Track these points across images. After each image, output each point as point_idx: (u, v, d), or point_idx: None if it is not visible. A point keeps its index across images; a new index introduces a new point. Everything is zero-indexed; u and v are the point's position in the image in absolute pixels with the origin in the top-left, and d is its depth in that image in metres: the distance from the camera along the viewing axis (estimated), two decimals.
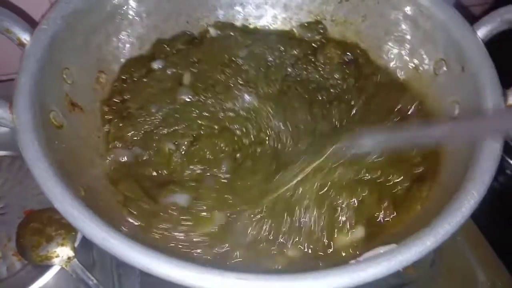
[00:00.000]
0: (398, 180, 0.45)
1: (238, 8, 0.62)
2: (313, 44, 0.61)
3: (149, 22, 0.57)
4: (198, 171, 0.48)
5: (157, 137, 0.50)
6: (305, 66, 0.58)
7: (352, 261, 0.33)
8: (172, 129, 0.50)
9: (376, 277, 0.31)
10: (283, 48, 0.59)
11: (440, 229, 0.34)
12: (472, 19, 0.50)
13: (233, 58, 0.56)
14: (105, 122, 0.51)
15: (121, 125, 0.50)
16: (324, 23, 0.62)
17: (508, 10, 0.47)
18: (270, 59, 0.57)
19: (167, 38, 0.58)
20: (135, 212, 0.43)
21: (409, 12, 0.55)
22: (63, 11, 0.47)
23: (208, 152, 0.49)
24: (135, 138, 0.50)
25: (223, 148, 0.49)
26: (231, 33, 0.60)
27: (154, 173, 0.48)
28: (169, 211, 0.43)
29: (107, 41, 0.53)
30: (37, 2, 0.57)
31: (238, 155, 0.49)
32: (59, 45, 0.46)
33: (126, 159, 0.48)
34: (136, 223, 0.43)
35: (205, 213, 0.44)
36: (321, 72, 0.57)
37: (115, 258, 0.32)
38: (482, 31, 0.48)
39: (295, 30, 0.63)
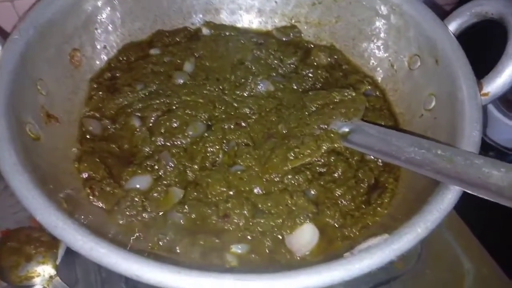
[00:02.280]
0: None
1: (213, 14, 0.62)
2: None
3: (124, 30, 0.57)
4: (160, 143, 0.48)
5: (129, 110, 0.50)
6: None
7: (346, 254, 0.32)
8: (146, 104, 0.51)
9: (371, 268, 0.31)
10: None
11: (429, 216, 0.34)
12: (444, 15, 0.51)
13: (242, 61, 0.57)
14: (91, 97, 0.52)
15: (102, 97, 0.52)
16: (298, 26, 0.63)
17: (476, 4, 0.48)
18: (273, 66, 0.58)
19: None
20: (97, 194, 0.44)
21: (380, 11, 0.56)
22: (36, 21, 0.46)
23: (174, 121, 0.49)
24: (110, 111, 0.51)
25: (193, 114, 0.50)
26: (226, 33, 0.60)
27: (117, 149, 0.48)
28: (132, 195, 0.44)
29: (82, 51, 0.52)
30: (6, 13, 0.56)
31: (208, 122, 0.51)
32: (32, 56, 0.45)
33: (94, 130, 0.49)
34: (99, 205, 0.43)
35: (163, 195, 0.44)
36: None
37: (100, 274, 0.31)
38: (453, 25, 0.50)
39: (273, 32, 0.63)
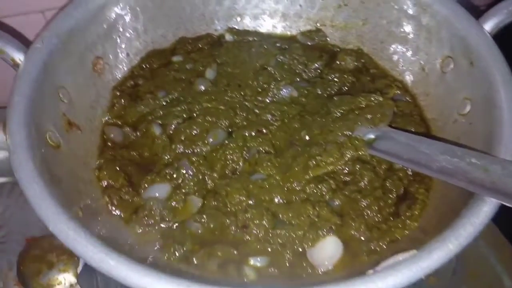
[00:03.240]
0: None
1: (236, 19, 0.62)
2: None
3: (147, 37, 0.57)
4: (180, 150, 0.47)
5: (150, 118, 0.50)
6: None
7: (370, 271, 0.30)
8: (167, 112, 0.50)
9: (396, 287, 0.28)
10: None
11: (462, 230, 0.31)
12: (479, 15, 0.48)
13: (265, 66, 0.56)
14: (113, 105, 0.52)
15: (124, 104, 0.52)
16: (324, 30, 0.61)
17: None
18: (297, 71, 0.56)
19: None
20: (116, 202, 0.43)
21: (410, 11, 0.53)
22: (59, 29, 0.46)
23: (194, 128, 0.49)
24: (132, 119, 0.51)
25: (214, 121, 0.49)
26: (249, 38, 0.59)
27: (137, 156, 0.48)
28: (150, 204, 0.43)
29: (105, 58, 0.52)
30: (31, 21, 0.57)
31: (229, 129, 0.50)
32: (54, 64, 0.45)
33: (115, 137, 0.49)
34: (116, 213, 0.43)
35: (181, 204, 0.44)
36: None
37: (121, 284, 0.30)
38: (489, 25, 0.47)
39: (298, 37, 0.61)
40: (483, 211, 0.32)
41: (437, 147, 0.39)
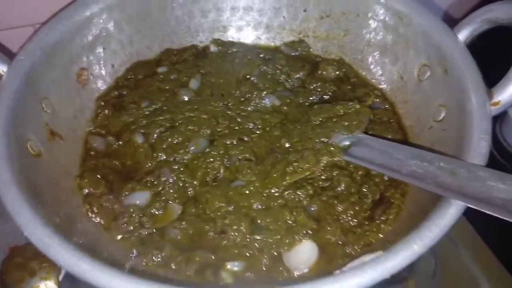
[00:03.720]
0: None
1: (220, 31, 0.63)
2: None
3: (132, 49, 0.58)
4: (162, 158, 0.48)
5: (133, 127, 0.51)
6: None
7: (337, 271, 0.31)
8: (150, 121, 0.51)
9: (361, 287, 0.29)
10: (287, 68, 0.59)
11: (427, 232, 0.32)
12: (454, 22, 0.49)
13: (248, 76, 0.57)
14: (97, 115, 0.53)
15: (108, 114, 0.53)
16: (307, 41, 0.62)
17: (488, 10, 0.46)
18: (280, 80, 0.57)
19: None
20: (96, 210, 0.44)
21: (389, 22, 0.55)
22: (43, 41, 0.48)
23: (176, 137, 0.49)
24: (115, 128, 0.52)
25: (196, 130, 0.50)
26: (234, 49, 0.61)
27: (119, 164, 0.49)
28: (130, 211, 0.44)
29: (89, 70, 0.54)
30: (23, 35, 0.59)
31: (211, 138, 0.51)
32: (38, 76, 0.46)
33: (98, 146, 0.50)
34: (96, 221, 0.44)
35: (161, 211, 0.44)
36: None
37: None
38: (463, 34, 0.48)
39: (281, 48, 0.63)
40: (449, 213, 0.33)
41: (408, 152, 0.40)
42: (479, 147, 0.38)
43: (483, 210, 0.31)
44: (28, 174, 0.39)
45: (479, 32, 0.48)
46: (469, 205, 0.32)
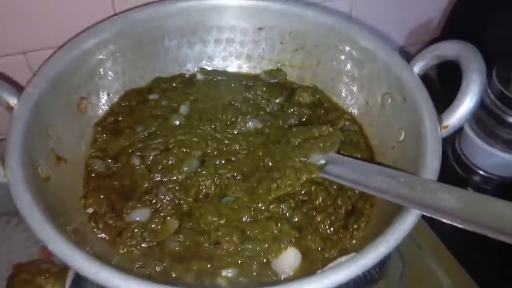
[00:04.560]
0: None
1: (205, 61, 0.69)
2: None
3: (125, 78, 0.63)
4: (158, 178, 0.53)
5: (130, 151, 0.56)
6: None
7: (319, 271, 0.37)
8: (146, 144, 0.56)
9: (340, 282, 0.35)
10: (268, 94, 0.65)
11: (391, 236, 0.39)
12: (409, 56, 0.57)
13: (233, 102, 0.63)
14: (95, 140, 0.57)
15: (106, 139, 0.57)
16: (284, 69, 0.69)
17: (436, 48, 0.55)
18: (261, 105, 0.64)
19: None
20: (101, 227, 0.49)
21: (355, 55, 0.62)
22: (48, 74, 0.52)
23: (171, 158, 0.54)
24: (113, 151, 0.56)
25: (188, 152, 0.55)
26: (219, 77, 0.66)
27: (119, 185, 0.53)
28: (132, 227, 0.48)
29: (88, 98, 0.59)
30: (13, 62, 0.64)
31: (202, 158, 0.56)
32: (44, 106, 0.51)
33: (98, 168, 0.55)
34: (102, 236, 0.48)
35: (160, 226, 0.49)
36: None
37: None
38: (418, 67, 0.56)
39: (261, 75, 0.69)
40: (409, 220, 0.40)
41: (374, 170, 0.47)
42: (432, 164, 0.45)
43: (435, 217, 0.38)
44: (42, 195, 0.44)
45: (431, 66, 0.56)
46: (424, 213, 0.40)
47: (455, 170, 0.76)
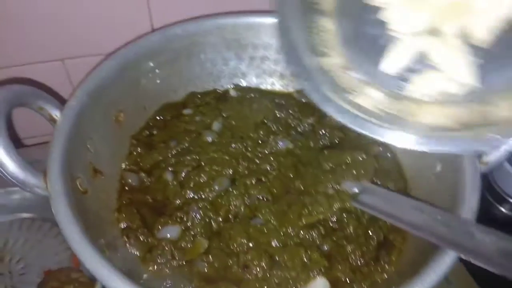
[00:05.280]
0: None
1: (239, 77, 0.70)
2: None
3: (161, 93, 0.64)
4: (190, 196, 0.54)
5: (163, 166, 0.56)
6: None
7: None
8: (178, 160, 0.57)
9: None
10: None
11: (427, 277, 0.38)
12: None
13: (265, 120, 0.63)
14: (131, 153, 0.59)
15: (140, 152, 0.58)
16: None
17: None
18: (293, 125, 0.63)
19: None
20: (133, 242, 0.50)
21: None
22: (89, 88, 0.54)
23: (202, 176, 0.55)
24: (147, 165, 0.57)
25: (219, 170, 0.56)
26: (251, 94, 0.67)
27: (151, 199, 0.54)
28: (163, 244, 0.49)
29: (125, 111, 0.60)
30: (51, 69, 0.66)
31: (232, 177, 0.56)
32: (85, 119, 0.52)
33: (132, 182, 0.56)
34: (133, 252, 0.49)
35: (190, 245, 0.50)
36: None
37: None
38: None
39: (294, 94, 0.69)
40: (445, 261, 0.39)
41: (409, 204, 0.46)
42: (470, 202, 0.44)
43: (471, 260, 0.37)
44: (80, 209, 0.45)
45: None
46: (461, 256, 0.39)
47: (485, 197, 0.74)
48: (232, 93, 0.68)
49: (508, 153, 0.48)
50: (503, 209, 0.73)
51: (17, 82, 0.62)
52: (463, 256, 0.38)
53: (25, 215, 0.65)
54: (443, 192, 0.50)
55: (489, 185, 0.74)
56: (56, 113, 0.51)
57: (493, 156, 0.48)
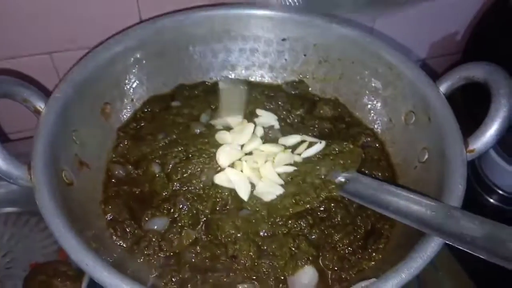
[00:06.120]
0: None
1: (228, 70, 0.69)
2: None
3: (149, 84, 0.64)
4: (177, 187, 0.53)
5: (150, 157, 0.56)
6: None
7: None
8: (166, 152, 0.56)
9: None
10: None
11: (413, 262, 0.38)
12: (435, 75, 0.57)
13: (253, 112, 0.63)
14: (117, 145, 0.58)
15: (128, 144, 0.58)
16: (306, 81, 0.69)
17: (464, 68, 0.54)
18: (282, 116, 0.64)
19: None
20: (119, 234, 0.49)
21: (380, 70, 0.62)
22: (74, 80, 0.53)
23: (190, 168, 0.54)
24: (134, 158, 0.57)
25: (207, 162, 0.55)
26: (240, 86, 0.66)
27: (138, 191, 0.54)
28: (150, 235, 0.49)
29: (112, 104, 0.59)
30: (39, 62, 0.65)
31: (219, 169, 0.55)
32: (70, 111, 0.51)
33: (119, 174, 0.55)
34: (119, 244, 0.49)
35: (178, 236, 0.49)
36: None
37: None
38: (444, 87, 0.55)
39: (283, 86, 0.69)
40: (431, 247, 0.39)
41: (396, 192, 0.47)
42: (456, 190, 0.45)
43: (455, 245, 0.38)
44: (65, 201, 0.44)
45: (458, 87, 0.55)
46: (445, 241, 0.39)
47: (474, 187, 0.75)
48: (221, 85, 0.68)
49: (495, 141, 0.48)
50: (491, 200, 0.73)
51: (1, 73, 0.60)
52: (448, 242, 0.38)
53: (11, 209, 0.64)
54: (430, 180, 0.50)
55: (477, 175, 0.74)
56: (41, 105, 0.50)
57: (480, 143, 0.48)
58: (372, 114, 0.64)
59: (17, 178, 0.44)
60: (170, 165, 0.56)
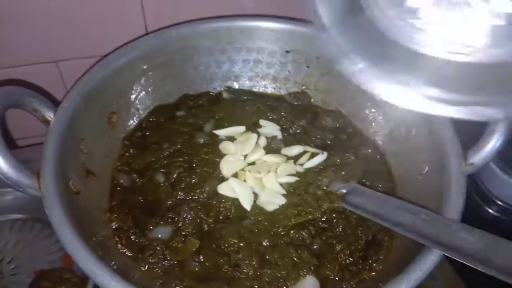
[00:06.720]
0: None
1: (232, 80, 0.70)
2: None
3: (155, 94, 0.65)
4: (181, 197, 0.54)
5: (155, 167, 0.57)
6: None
7: None
8: (171, 161, 0.57)
9: None
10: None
11: (413, 274, 0.39)
12: None
13: (257, 123, 0.64)
14: (123, 154, 0.59)
15: (133, 153, 0.59)
16: (308, 92, 0.70)
17: None
18: (285, 127, 0.65)
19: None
20: (124, 242, 0.50)
21: None
22: (82, 90, 0.54)
23: (194, 177, 0.55)
24: (139, 166, 0.58)
25: (211, 172, 0.56)
26: (244, 97, 0.68)
27: (142, 200, 0.55)
28: (154, 244, 0.50)
29: (118, 113, 0.61)
30: (51, 77, 0.66)
31: (223, 179, 0.56)
32: (78, 120, 0.53)
33: (124, 183, 0.56)
34: (124, 252, 0.50)
35: (181, 245, 0.50)
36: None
37: None
38: None
39: (286, 97, 0.70)
40: (430, 259, 0.40)
41: (396, 204, 0.47)
42: (455, 203, 0.45)
43: (454, 258, 0.38)
44: (72, 209, 0.45)
45: None
46: (444, 253, 0.40)
47: (473, 198, 0.75)
48: (225, 95, 0.69)
49: (494, 155, 0.49)
50: (490, 210, 0.74)
51: (11, 83, 0.62)
52: (447, 254, 0.39)
53: (16, 216, 0.65)
54: (430, 193, 0.51)
55: (476, 186, 0.75)
56: (49, 115, 0.51)
57: (479, 158, 0.49)
58: (374, 126, 0.65)
59: (26, 187, 0.45)
60: (175, 175, 0.57)
